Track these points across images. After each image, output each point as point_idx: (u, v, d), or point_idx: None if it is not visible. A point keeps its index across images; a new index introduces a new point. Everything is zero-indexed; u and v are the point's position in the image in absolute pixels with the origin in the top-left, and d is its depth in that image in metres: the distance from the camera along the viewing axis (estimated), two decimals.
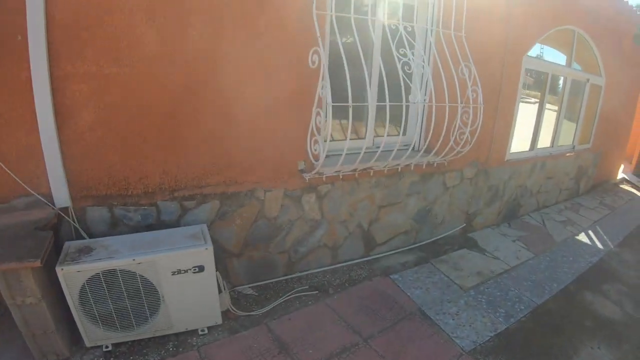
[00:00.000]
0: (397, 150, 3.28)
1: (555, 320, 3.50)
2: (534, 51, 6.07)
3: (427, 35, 3.66)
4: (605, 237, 5.70)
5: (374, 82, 3.52)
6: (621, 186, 9.50)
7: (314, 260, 3.72)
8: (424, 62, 3.53)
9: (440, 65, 3.37)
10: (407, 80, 3.12)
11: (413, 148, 3.94)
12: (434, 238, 4.58)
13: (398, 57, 3.13)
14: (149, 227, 2.76)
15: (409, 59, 3.15)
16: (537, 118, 5.53)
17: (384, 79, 2.93)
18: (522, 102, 5.12)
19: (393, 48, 3.11)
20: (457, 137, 3.70)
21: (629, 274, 4.62)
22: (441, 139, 3.48)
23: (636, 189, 9.63)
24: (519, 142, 5.85)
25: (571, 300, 3.85)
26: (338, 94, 2.86)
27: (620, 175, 10.16)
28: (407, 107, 3.19)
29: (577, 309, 3.71)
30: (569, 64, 5.93)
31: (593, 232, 5.82)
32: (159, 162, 2.68)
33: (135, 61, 2.44)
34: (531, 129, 5.80)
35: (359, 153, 3.10)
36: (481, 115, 3.62)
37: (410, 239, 4.38)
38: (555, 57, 6.28)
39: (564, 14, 5.23)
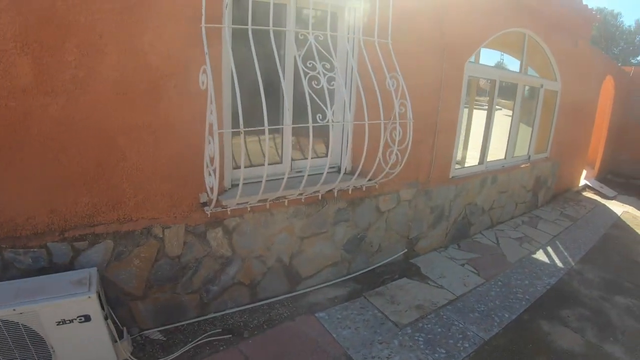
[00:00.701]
0: (317, 175, 3.07)
1: (505, 358, 3.19)
2: (494, 58, 5.83)
3: (352, 44, 3.32)
4: (565, 253, 5.47)
5: (295, 98, 3.23)
6: (584, 194, 9.40)
7: (230, 299, 3.38)
8: (345, 74, 3.16)
9: (358, 79, 3.07)
10: (315, 97, 2.76)
11: (339, 171, 3.64)
12: (370, 267, 4.22)
13: (305, 71, 2.73)
14: (41, 271, 2.55)
15: (318, 73, 2.76)
16: (485, 130, 5.21)
17: (290, 97, 2.67)
18: (481, 109, 4.85)
19: (299, 61, 2.72)
20: (387, 156, 3.34)
21: (592, 295, 4.38)
22: (362, 160, 3.12)
23: (599, 196, 9.55)
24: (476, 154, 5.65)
25: (524, 333, 3.54)
26: (252, 115, 2.62)
27: (583, 182, 10.08)
28: (326, 127, 2.87)
29: (531, 343, 3.40)
30: (522, 69, 5.64)
31: (552, 248, 5.58)
32: (45, 200, 2.46)
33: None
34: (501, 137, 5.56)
35: (279, 179, 2.93)
36: (411, 132, 3.28)
37: (342, 270, 4.00)
38: (514, 63, 6.09)
39: (512, 15, 4.96)
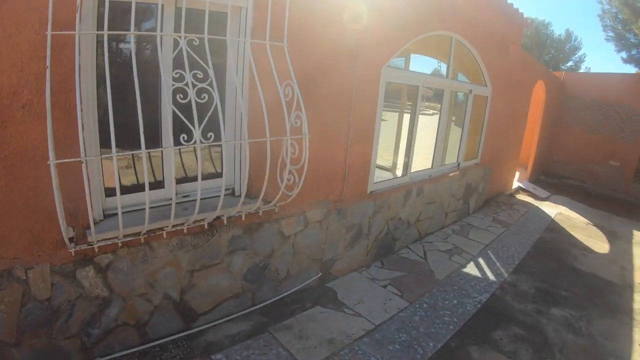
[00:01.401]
0: (210, 198, 2.82)
1: None
2: (430, 64, 5.62)
3: (243, 49, 2.96)
4: (498, 263, 5.38)
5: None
6: (517, 196, 9.53)
7: (117, 342, 2.98)
8: (237, 83, 2.75)
9: (241, 87, 2.71)
10: (179, 113, 2.40)
11: (234, 193, 3.28)
12: (279, 296, 3.86)
13: (170, 82, 2.35)
14: None
15: (185, 84, 2.35)
16: (408, 139, 4.95)
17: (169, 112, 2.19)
18: (421, 114, 4.61)
19: (162, 71, 2.30)
20: (285, 176, 2.99)
21: (526, 310, 4.26)
22: (264, 182, 2.81)
23: (533, 197, 9.72)
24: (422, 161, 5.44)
25: None
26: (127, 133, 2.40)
27: (516, 184, 10.19)
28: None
29: None
30: (448, 74, 5.44)
31: (484, 259, 5.47)
32: None
33: None
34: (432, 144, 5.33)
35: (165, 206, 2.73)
36: (306, 149, 2.93)
37: (245, 302, 3.62)
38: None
39: (435, 18, 4.77)
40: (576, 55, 34.96)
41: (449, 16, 5.02)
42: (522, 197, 9.59)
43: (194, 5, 2.66)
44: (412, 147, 5.03)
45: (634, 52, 16.49)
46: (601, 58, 69.07)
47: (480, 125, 6.84)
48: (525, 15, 7.20)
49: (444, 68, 6.76)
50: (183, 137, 2.40)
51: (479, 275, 4.91)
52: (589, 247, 6.78)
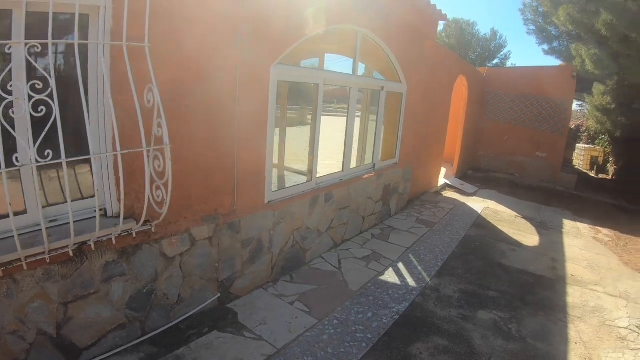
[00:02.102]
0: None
1: None
2: (347, 64, 5.54)
3: (102, 51, 2.76)
4: (420, 267, 5.34)
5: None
6: (443, 194, 9.74)
7: None
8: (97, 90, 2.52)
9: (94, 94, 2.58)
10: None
11: (106, 214, 3.12)
12: (173, 322, 3.69)
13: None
14: None
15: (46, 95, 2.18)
16: (311, 143, 4.86)
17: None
18: (335, 115, 4.49)
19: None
20: (154, 192, 2.81)
21: (450, 317, 4.17)
22: (138, 200, 2.57)
23: (460, 194, 9.98)
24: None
25: None
26: None
27: (443, 181, 10.41)
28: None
29: None
30: (355, 70, 5.39)
31: (405, 264, 5.41)
32: None
33: None
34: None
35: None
36: (169, 160, 2.83)
37: (134, 332, 3.43)
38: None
39: (338, 11, 4.67)
40: (502, 53, 38.24)
41: (352, 9, 5.00)
42: (448, 194, 9.83)
43: (45, 8, 2.42)
44: (316, 150, 4.93)
45: (555, 44, 17.34)
46: (527, 53, 73.97)
47: (396, 124, 6.87)
48: (450, 16, 7.34)
49: (362, 66, 6.79)
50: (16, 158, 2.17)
51: (399, 283, 4.83)
52: (518, 241, 6.96)
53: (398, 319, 4.05)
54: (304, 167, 5.23)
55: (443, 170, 11.12)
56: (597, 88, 11.51)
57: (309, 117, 6.14)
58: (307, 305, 4.19)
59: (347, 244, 5.89)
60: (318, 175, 5.11)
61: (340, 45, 5.75)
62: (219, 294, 4.01)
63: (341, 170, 5.63)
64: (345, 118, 5.49)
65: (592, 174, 17.23)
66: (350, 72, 5.45)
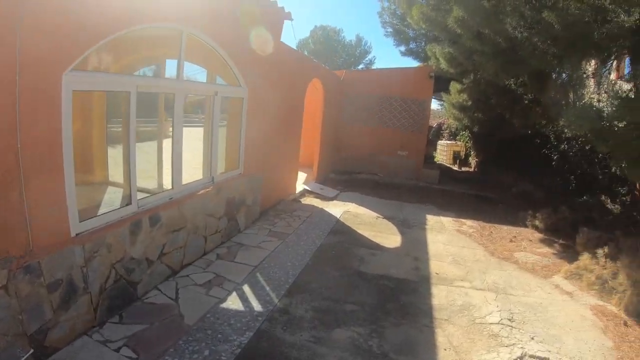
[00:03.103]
0: None
1: None
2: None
3: None
4: (267, 287, 5.10)
5: None
6: (302, 200, 9.76)
7: None
8: None
9: None
10: None
11: None
12: None
13: None
14: None
15: None
16: (125, 159, 4.42)
17: None
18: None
19: None
20: None
21: (301, 342, 3.92)
22: None
23: (320, 199, 10.05)
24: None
25: None
26: None
27: (301, 187, 10.41)
28: None
29: None
30: (179, 74, 5.00)
31: (250, 286, 5.13)
32: None
33: None
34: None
35: None
36: None
37: None
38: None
39: (152, 6, 4.20)
40: (367, 58, 42.01)
41: (172, 4, 4.59)
42: (307, 200, 9.86)
43: None
44: (132, 168, 4.46)
45: (412, 45, 18.65)
46: (391, 56, 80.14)
47: (238, 131, 6.64)
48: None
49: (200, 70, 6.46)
50: None
51: (242, 309, 4.52)
52: (379, 243, 7.09)
53: (240, 353, 3.76)
54: (128, 189, 4.73)
55: (303, 176, 11.17)
56: (454, 86, 12.65)
57: (144, 129, 5.69)
58: (134, 350, 3.74)
59: (188, 268, 5.47)
60: (140, 197, 4.67)
61: (166, 49, 5.37)
62: (31, 350, 3.41)
63: (171, 187, 5.21)
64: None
65: (456, 167, 18.90)
66: (175, 77, 5.05)
